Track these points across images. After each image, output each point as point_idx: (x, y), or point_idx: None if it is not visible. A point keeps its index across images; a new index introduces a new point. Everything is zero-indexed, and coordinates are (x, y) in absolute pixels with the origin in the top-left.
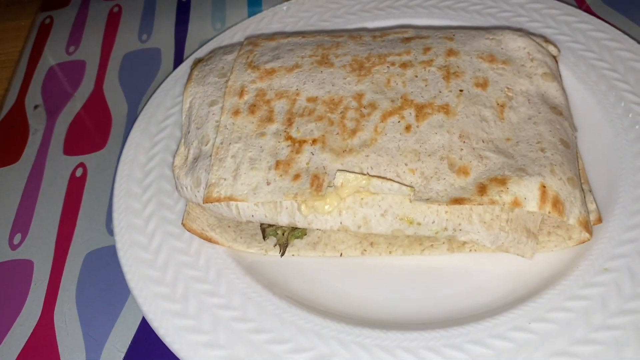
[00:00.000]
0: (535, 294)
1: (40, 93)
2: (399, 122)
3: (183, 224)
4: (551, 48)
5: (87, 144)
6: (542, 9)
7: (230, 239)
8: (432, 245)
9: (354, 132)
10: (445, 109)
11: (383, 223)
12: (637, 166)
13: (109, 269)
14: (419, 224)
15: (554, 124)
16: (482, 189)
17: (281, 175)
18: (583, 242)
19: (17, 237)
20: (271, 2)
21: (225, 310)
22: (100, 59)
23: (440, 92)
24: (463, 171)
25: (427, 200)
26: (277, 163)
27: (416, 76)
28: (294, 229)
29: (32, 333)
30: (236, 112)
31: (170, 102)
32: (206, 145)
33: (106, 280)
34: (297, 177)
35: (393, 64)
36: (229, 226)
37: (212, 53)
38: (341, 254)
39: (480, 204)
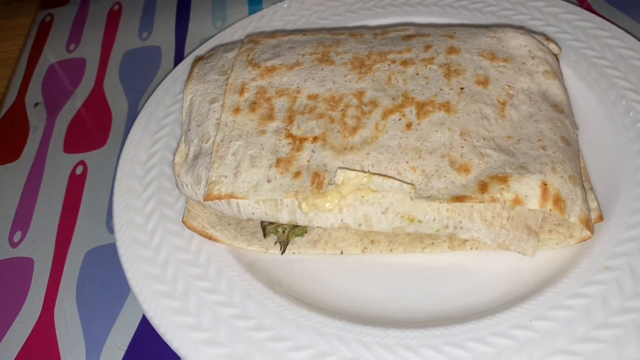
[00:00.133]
0: (536, 292)
1: (40, 91)
2: (399, 119)
3: (183, 222)
4: (552, 46)
5: (87, 142)
6: (543, 7)
7: (231, 237)
8: (433, 243)
9: (354, 129)
10: (446, 106)
11: (384, 221)
12: (638, 164)
13: (109, 266)
14: (419, 221)
15: (555, 121)
16: (483, 187)
17: (282, 173)
18: (584, 240)
19: (18, 235)
20: (272, 0)
21: (226, 307)
22: (101, 57)
23: (441, 89)
24: (464, 169)
25: (428, 197)
26: (278, 161)
27: (417, 74)
28: (294, 226)
29: (32, 331)
30: (237, 110)
31: (171, 100)
32: (207, 142)
33: (106, 278)
34: (297, 174)
35: (394, 61)
36: (229, 224)
37: (213, 51)
38: (342, 252)
39: (481, 202)
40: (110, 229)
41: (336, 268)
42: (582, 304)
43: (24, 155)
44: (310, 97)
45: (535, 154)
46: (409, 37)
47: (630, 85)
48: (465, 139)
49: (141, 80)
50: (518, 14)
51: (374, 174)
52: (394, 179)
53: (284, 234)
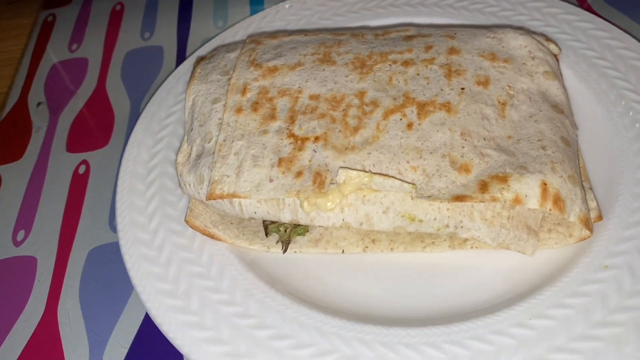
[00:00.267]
0: (536, 291)
1: (43, 91)
2: (400, 119)
3: (186, 221)
4: (552, 46)
5: (89, 142)
6: (543, 8)
7: (233, 236)
8: (433, 242)
9: (356, 129)
10: (447, 106)
11: (385, 220)
12: (638, 164)
13: (112, 265)
14: (420, 221)
15: (554, 122)
16: (483, 187)
17: (284, 173)
18: (583, 240)
19: (21, 234)
20: (273, 0)
21: (228, 306)
22: (103, 57)
23: (442, 90)
24: (464, 169)
25: (429, 197)
26: (280, 160)
27: (418, 74)
28: (296, 225)
29: (35, 329)
30: (239, 110)
31: (173, 100)
32: (209, 142)
33: (109, 277)
34: (299, 174)
35: (395, 62)
36: (231, 223)
37: (215, 51)
38: (343, 251)
39: (481, 201)
40: (113, 228)
41: (337, 267)
42: (581, 303)
43: (26, 155)
44: (311, 97)
45: (535, 153)
46: (409, 38)
47: (629, 86)
48: (465, 139)
49: (143, 80)
50: (518, 15)
51: (375, 173)
52: (395, 178)
53: (286, 233)
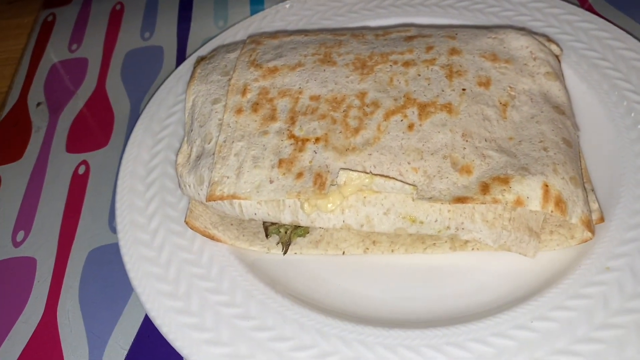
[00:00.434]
0: (537, 293)
1: (42, 91)
2: (401, 120)
3: (186, 222)
4: (553, 47)
5: (89, 142)
6: (545, 8)
7: (233, 237)
8: (434, 243)
9: (356, 130)
10: (448, 107)
11: (386, 222)
12: (639, 165)
13: (112, 266)
14: (421, 222)
15: (556, 123)
16: (484, 188)
17: (284, 174)
18: (585, 241)
19: (20, 235)
20: (273, 0)
21: (228, 307)
22: (103, 57)
23: (443, 90)
24: (466, 170)
25: (430, 199)
26: (280, 161)
27: (419, 75)
28: (296, 227)
29: (35, 330)
30: (239, 111)
31: (173, 100)
32: (209, 143)
33: (109, 278)
34: (300, 175)
35: (396, 62)
36: (231, 224)
37: (215, 51)
38: (343, 252)
39: (483, 203)
40: (113, 229)
41: (338, 268)
42: (583, 305)
43: (26, 155)
44: (312, 97)
45: (536, 155)
46: (410, 38)
47: (631, 87)
48: (467, 140)
49: (143, 80)
50: (519, 15)
51: (376, 175)
52: (396, 180)
53: (286, 235)
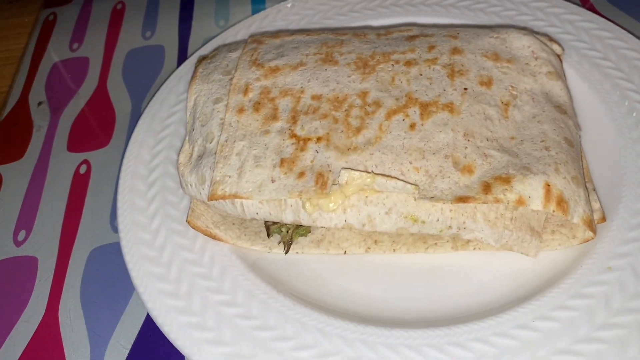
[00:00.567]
0: (539, 293)
1: (44, 90)
2: (403, 120)
3: (187, 221)
4: (555, 47)
5: (91, 141)
6: (546, 8)
7: (235, 236)
8: (436, 243)
9: (358, 130)
10: (450, 107)
11: (387, 221)
12: None
13: (113, 265)
14: (423, 222)
15: (558, 122)
16: (486, 188)
17: (286, 173)
18: (587, 241)
19: (22, 234)
20: (275, 0)
21: (230, 307)
22: (104, 56)
23: (444, 90)
24: (467, 169)
25: (432, 198)
26: (282, 161)
27: (421, 74)
28: (298, 226)
29: (36, 329)
30: (241, 110)
31: (174, 100)
32: (211, 142)
33: (110, 277)
34: (301, 175)
35: (397, 62)
36: (233, 223)
37: (217, 50)
38: (345, 252)
39: (484, 203)
40: (114, 228)
41: (339, 268)
42: (584, 305)
43: (27, 154)
44: (314, 97)
45: (538, 154)
46: (412, 38)
47: (633, 86)
48: (468, 140)
49: (144, 79)
50: (521, 15)
51: (378, 174)
52: (398, 179)
53: (288, 234)
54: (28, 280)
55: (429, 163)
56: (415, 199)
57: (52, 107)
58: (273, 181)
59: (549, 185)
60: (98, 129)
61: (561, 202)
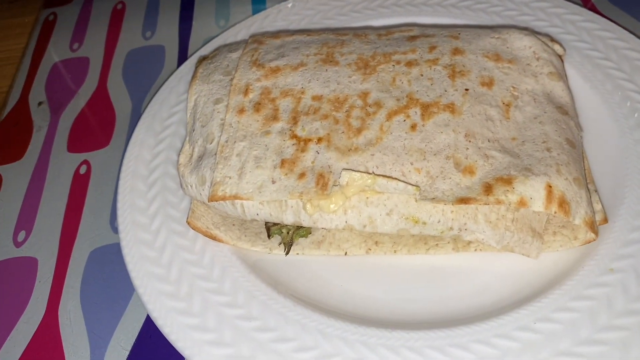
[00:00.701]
0: (541, 294)
1: (44, 90)
2: (404, 120)
3: (188, 222)
4: (557, 47)
5: (91, 141)
6: (548, 8)
7: (235, 237)
8: (437, 244)
9: (359, 130)
10: (451, 108)
11: (388, 222)
12: None
13: (113, 266)
14: (424, 223)
15: (559, 123)
16: (488, 189)
17: (286, 174)
18: (589, 242)
19: (22, 235)
20: (275, 0)
21: (230, 308)
22: (104, 56)
23: (445, 91)
24: (469, 170)
25: (433, 199)
26: (283, 162)
27: (422, 75)
28: (298, 227)
29: (36, 330)
30: (241, 111)
31: (175, 100)
32: (211, 143)
33: (111, 278)
34: (302, 175)
35: (398, 62)
36: (233, 224)
37: (217, 51)
38: (346, 253)
39: (486, 204)
40: (115, 229)
41: (340, 269)
42: (586, 306)
43: (27, 155)
44: (314, 98)
45: (540, 155)
46: (413, 38)
47: (635, 87)
48: (469, 141)
49: (145, 79)
50: (522, 15)
51: (379, 175)
52: (399, 180)
53: (288, 235)
54: (28, 281)
55: (430, 164)
56: (416, 200)
57: (52, 107)
58: (274, 182)
59: (550, 187)
60: (98, 129)
61: (563, 204)
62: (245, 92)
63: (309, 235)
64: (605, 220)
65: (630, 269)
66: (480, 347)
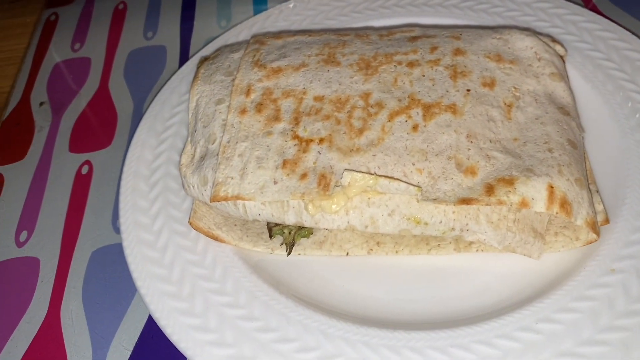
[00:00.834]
0: (542, 295)
1: (45, 90)
2: (406, 121)
3: (190, 223)
4: (558, 48)
5: (92, 142)
6: (549, 9)
7: (237, 238)
8: (438, 245)
9: (361, 131)
10: (453, 108)
11: (390, 223)
12: None
13: (115, 266)
14: (426, 224)
15: (561, 124)
16: (489, 189)
17: (288, 175)
18: (590, 243)
19: (24, 235)
20: (277, 0)
21: (232, 308)
22: (106, 57)
23: (447, 91)
24: (470, 171)
25: (435, 200)
26: (284, 162)
27: (423, 75)
28: (300, 228)
29: (38, 330)
30: (243, 111)
31: (176, 100)
32: (213, 143)
33: (112, 278)
34: (304, 176)
35: (400, 63)
36: (235, 225)
37: (219, 51)
38: (347, 253)
39: (487, 205)
40: (116, 229)
41: (342, 269)
42: (588, 307)
43: (29, 155)
44: (316, 98)
45: (541, 156)
46: (414, 39)
47: (636, 88)
48: (471, 141)
49: (146, 79)
50: (524, 15)
51: (380, 176)
52: (400, 181)
53: (290, 235)
54: (30, 281)
55: (431, 164)
56: (418, 201)
57: (53, 107)
58: (275, 182)
59: (552, 187)
60: (100, 129)
61: (564, 204)
62: (247, 92)
63: (311, 235)
64: (607, 220)
65: (631, 269)
66: (481, 348)
